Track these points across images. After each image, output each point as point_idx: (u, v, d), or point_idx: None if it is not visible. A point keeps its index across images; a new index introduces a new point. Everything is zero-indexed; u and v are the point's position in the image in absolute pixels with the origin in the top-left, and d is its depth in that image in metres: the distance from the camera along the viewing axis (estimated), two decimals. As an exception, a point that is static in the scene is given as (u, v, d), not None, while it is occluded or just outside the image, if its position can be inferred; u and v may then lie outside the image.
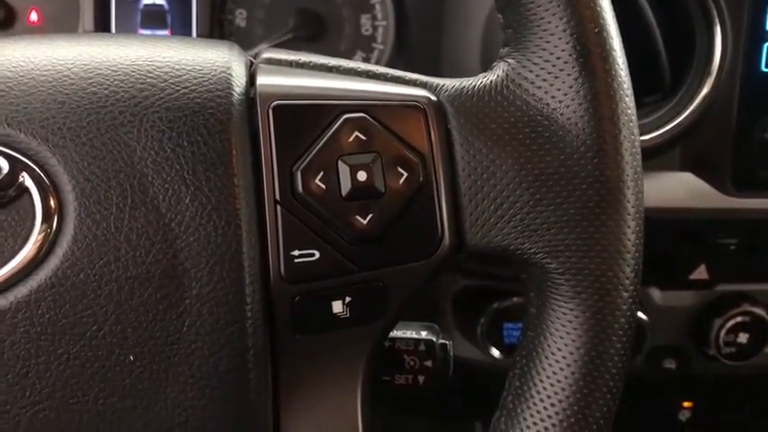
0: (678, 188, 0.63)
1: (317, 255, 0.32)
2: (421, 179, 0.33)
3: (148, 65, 0.33)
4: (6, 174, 0.30)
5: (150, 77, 0.32)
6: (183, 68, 0.33)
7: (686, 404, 0.78)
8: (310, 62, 0.36)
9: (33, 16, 0.72)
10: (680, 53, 0.61)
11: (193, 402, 0.32)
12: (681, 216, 0.64)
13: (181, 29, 0.73)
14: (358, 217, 0.32)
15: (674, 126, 0.60)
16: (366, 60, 0.76)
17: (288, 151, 0.32)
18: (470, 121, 0.34)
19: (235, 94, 0.32)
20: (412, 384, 0.41)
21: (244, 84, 0.33)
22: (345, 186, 0.32)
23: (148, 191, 0.30)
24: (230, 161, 0.31)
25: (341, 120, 0.32)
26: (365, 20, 0.76)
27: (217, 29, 0.73)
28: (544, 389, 0.34)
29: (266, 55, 0.36)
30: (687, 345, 0.70)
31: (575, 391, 0.33)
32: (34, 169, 0.30)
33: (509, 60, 0.34)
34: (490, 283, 0.67)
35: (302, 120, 0.33)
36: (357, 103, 0.33)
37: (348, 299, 0.33)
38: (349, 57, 0.76)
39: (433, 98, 0.34)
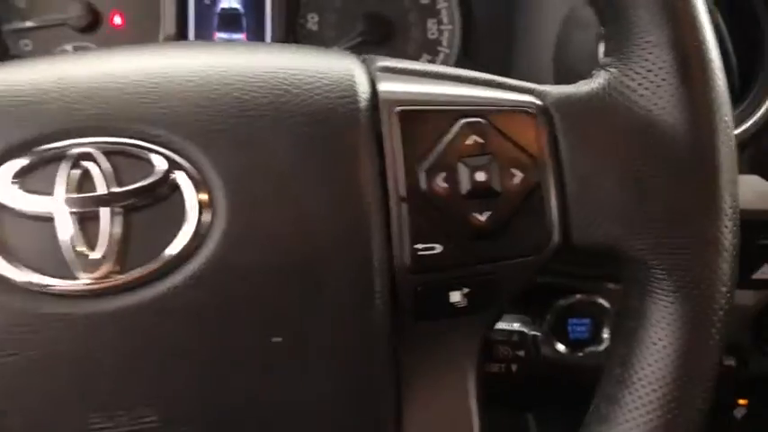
0: (745, 190, 0.65)
1: (439, 248, 0.35)
2: (533, 180, 0.35)
3: (282, 72, 0.35)
4: (164, 171, 0.33)
5: (285, 84, 0.35)
6: (314, 76, 0.35)
7: (742, 402, 0.80)
8: (423, 70, 0.38)
9: (117, 20, 0.76)
10: (748, 58, 0.63)
11: (325, 385, 0.34)
12: (746, 217, 0.65)
13: (255, 32, 0.76)
14: (476, 214, 0.35)
15: (742, 130, 0.62)
16: (431, 63, 0.79)
17: (412, 153, 0.35)
18: (576, 125, 0.36)
19: (361, 100, 0.35)
20: (505, 372, 0.44)
21: (368, 90, 0.36)
22: (465, 185, 0.35)
23: (290, 188, 0.33)
24: (359, 162, 0.34)
25: (459, 124, 0.35)
26: (431, 24, 0.78)
27: (291, 33, 0.76)
28: (645, 376, 0.36)
29: (381, 64, 0.38)
30: (746, 342, 0.71)
31: (675, 378, 0.36)
32: (187, 167, 0.33)
33: (611, 69, 0.37)
34: (556, 280, 0.69)
35: (424, 124, 0.35)
36: (474, 109, 0.36)
37: (465, 290, 0.36)
38: (415, 59, 0.79)
39: (541, 104, 0.37)
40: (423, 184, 0.34)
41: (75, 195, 0.32)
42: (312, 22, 0.77)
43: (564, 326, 0.70)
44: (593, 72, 0.38)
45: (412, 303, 0.35)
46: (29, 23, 0.75)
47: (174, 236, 0.33)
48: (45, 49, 0.75)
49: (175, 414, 0.34)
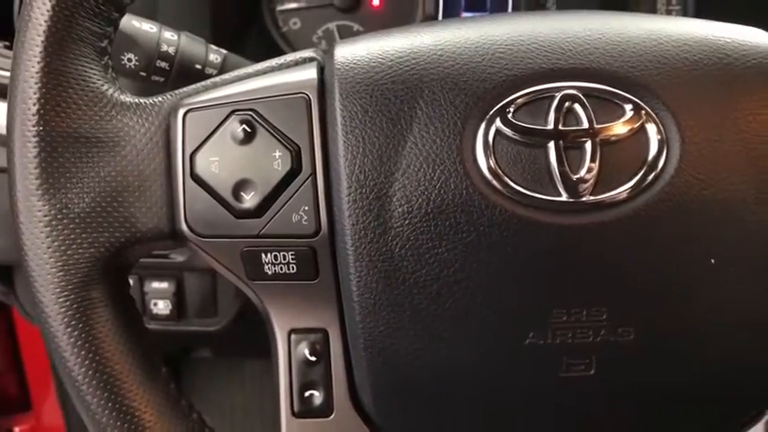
0: None
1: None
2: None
3: (722, 40, 0.42)
4: (632, 115, 0.40)
5: (725, 49, 0.41)
6: (741, 41, 0.42)
7: None
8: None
9: (375, 1, 0.83)
10: None
11: (745, 308, 0.41)
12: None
13: (498, 10, 0.83)
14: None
15: None
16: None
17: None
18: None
19: None
20: None
21: None
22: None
23: (746, 136, 0.40)
24: None
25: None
26: None
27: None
28: None
29: None
30: None
31: None
32: (651, 114, 0.40)
33: None
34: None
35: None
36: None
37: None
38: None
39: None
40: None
41: (565, 128, 0.40)
42: (550, 2, 0.84)
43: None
44: None
45: None
46: (299, 4, 0.83)
47: (637, 169, 0.40)
48: (311, 28, 0.84)
49: (620, 316, 0.41)
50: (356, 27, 0.83)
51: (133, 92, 0.61)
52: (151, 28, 0.56)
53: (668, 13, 0.84)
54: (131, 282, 0.74)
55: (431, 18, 0.82)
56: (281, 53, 0.84)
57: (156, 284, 0.75)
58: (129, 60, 0.55)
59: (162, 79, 0.57)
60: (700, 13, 0.82)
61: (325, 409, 0.44)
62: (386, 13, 0.83)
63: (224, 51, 0.60)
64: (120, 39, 0.55)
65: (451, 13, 0.83)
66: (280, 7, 0.83)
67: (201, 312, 0.77)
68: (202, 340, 0.87)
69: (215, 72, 0.58)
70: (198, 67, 0.57)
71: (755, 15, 0.78)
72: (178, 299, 0.76)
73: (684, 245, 0.40)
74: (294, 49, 0.84)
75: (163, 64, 0.56)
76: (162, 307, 0.77)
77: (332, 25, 0.83)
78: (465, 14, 0.83)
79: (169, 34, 0.57)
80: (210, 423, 0.46)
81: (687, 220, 0.40)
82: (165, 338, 0.80)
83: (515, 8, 0.82)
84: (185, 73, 0.57)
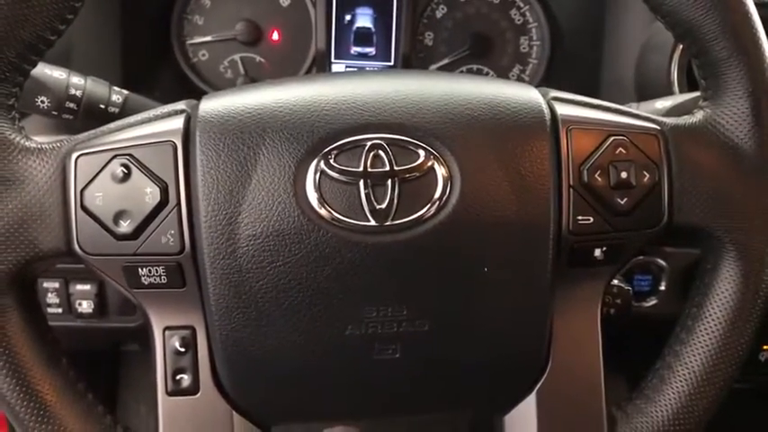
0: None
1: (592, 220, 0.54)
2: (655, 179, 0.54)
3: (497, 98, 0.53)
4: (424, 158, 0.51)
5: (500, 107, 0.53)
6: (516, 101, 0.53)
7: (766, 347, 0.98)
8: (581, 101, 0.57)
9: (275, 36, 0.94)
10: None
11: (508, 301, 0.53)
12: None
13: (383, 47, 0.95)
14: (618, 199, 0.54)
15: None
16: (522, 72, 0.98)
17: (579, 157, 0.53)
18: (684, 144, 0.55)
19: (546, 120, 0.54)
20: (605, 314, 0.61)
21: (549, 113, 0.54)
22: (613, 180, 0.53)
23: (499, 176, 0.51)
24: (546, 160, 0.53)
25: (610, 140, 0.54)
26: (523, 40, 0.97)
27: (412, 47, 0.94)
28: (714, 313, 0.55)
29: (552, 95, 0.56)
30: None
31: (735, 316, 0.55)
32: (438, 157, 0.51)
33: (707, 110, 0.56)
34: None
35: (588, 138, 0.54)
36: (620, 130, 0.54)
37: (604, 248, 0.55)
38: (509, 70, 0.98)
39: (660, 129, 0.55)
40: (585, 178, 0.53)
41: (372, 170, 0.51)
42: (428, 39, 0.96)
43: (630, 281, 0.89)
44: (695, 111, 0.57)
45: (568, 255, 0.54)
46: (206, 38, 0.94)
47: (428, 200, 0.51)
48: (218, 59, 0.94)
49: (417, 312, 0.53)
50: (258, 59, 0.95)
51: (48, 126, 0.71)
52: (61, 75, 0.66)
53: (530, 48, 0.97)
54: (57, 285, 0.85)
55: (323, 52, 0.93)
56: (191, 82, 0.96)
57: (79, 286, 0.84)
58: (43, 102, 0.66)
59: (71, 117, 0.67)
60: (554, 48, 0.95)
61: (193, 389, 0.55)
62: (284, 47, 0.95)
63: (125, 92, 0.70)
64: (34, 84, 0.65)
65: (342, 47, 0.95)
66: (189, 41, 0.94)
67: (122, 311, 0.87)
68: (127, 335, 0.96)
69: (117, 110, 0.69)
70: (102, 106, 0.68)
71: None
72: (100, 299, 0.84)
73: (464, 257, 0.52)
74: (203, 79, 0.95)
75: (71, 105, 0.67)
76: (86, 306, 0.86)
77: (236, 57, 0.94)
78: (354, 49, 0.95)
79: (77, 79, 0.67)
80: (146, 409, 0.56)
81: (466, 238, 0.52)
82: (94, 334, 0.90)
83: (397, 44, 0.94)
84: (91, 112, 0.67)
